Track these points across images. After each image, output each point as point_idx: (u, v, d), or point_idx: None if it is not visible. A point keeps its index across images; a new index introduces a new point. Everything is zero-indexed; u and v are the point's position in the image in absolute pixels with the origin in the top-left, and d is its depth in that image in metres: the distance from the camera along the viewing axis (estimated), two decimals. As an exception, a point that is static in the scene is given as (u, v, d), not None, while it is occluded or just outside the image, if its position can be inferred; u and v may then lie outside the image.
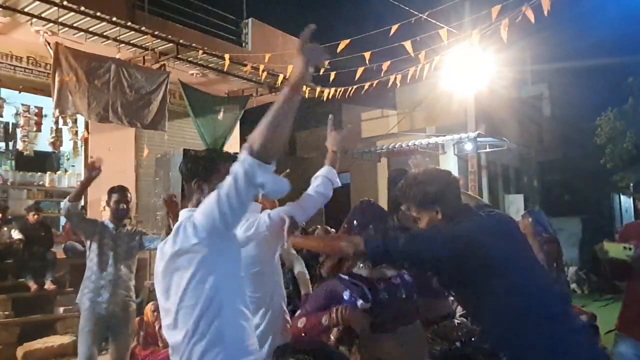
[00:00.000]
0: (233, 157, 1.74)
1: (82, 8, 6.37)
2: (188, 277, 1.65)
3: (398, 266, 2.30)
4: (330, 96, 8.39)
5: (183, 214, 1.79)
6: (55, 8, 6.24)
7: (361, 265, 2.32)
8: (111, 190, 4.08)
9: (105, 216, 4.42)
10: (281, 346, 1.26)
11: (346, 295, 2.21)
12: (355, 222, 2.36)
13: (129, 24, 6.96)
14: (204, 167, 1.85)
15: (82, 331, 3.89)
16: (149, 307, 4.74)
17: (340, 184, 2.54)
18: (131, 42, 7.28)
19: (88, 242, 3.98)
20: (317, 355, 0.93)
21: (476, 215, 2.13)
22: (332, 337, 2.10)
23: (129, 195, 4.12)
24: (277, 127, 1.54)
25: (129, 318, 4.07)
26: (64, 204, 3.81)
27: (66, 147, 8.26)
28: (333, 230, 5.08)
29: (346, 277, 2.29)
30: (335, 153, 2.61)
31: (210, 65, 8.30)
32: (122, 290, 3.95)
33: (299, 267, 3.99)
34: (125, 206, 4.04)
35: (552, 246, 3.89)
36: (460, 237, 1.92)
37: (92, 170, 3.76)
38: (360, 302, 2.17)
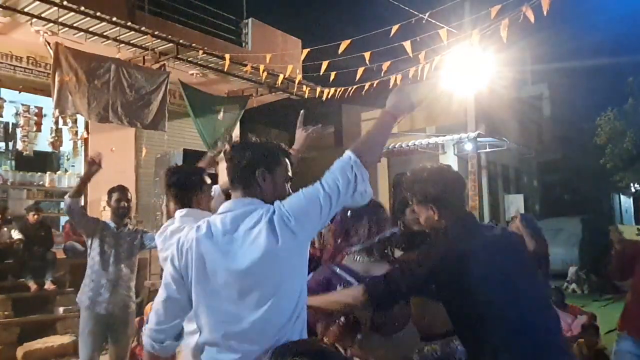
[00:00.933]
0: (287, 152, 1.87)
1: (82, 8, 6.37)
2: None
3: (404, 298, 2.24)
4: (330, 96, 8.39)
5: (244, 204, 1.72)
6: (55, 8, 6.24)
7: (357, 257, 2.27)
8: (111, 190, 4.12)
9: (105, 216, 4.43)
10: (280, 347, 1.25)
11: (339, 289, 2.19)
12: (349, 212, 2.32)
13: (129, 24, 6.95)
14: (268, 158, 1.79)
15: (82, 333, 3.89)
16: (148, 307, 4.74)
17: None
18: (131, 42, 7.28)
19: (89, 241, 3.99)
20: (316, 356, 0.92)
21: (475, 228, 2.09)
22: (332, 332, 2.09)
23: (129, 194, 4.15)
24: (377, 145, 1.78)
25: (129, 318, 4.07)
26: (65, 200, 3.84)
27: (66, 147, 8.26)
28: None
29: (342, 273, 2.23)
30: (296, 152, 2.45)
31: (210, 65, 8.30)
32: (123, 290, 3.96)
33: None
34: (126, 204, 4.06)
35: (540, 250, 3.89)
36: (455, 254, 1.93)
37: (92, 166, 3.77)
38: None
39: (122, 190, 4.10)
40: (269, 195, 1.72)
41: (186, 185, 2.65)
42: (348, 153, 1.67)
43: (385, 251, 2.35)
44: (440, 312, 2.23)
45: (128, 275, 4.01)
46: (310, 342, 1.02)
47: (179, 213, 2.59)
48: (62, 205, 3.99)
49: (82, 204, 4.28)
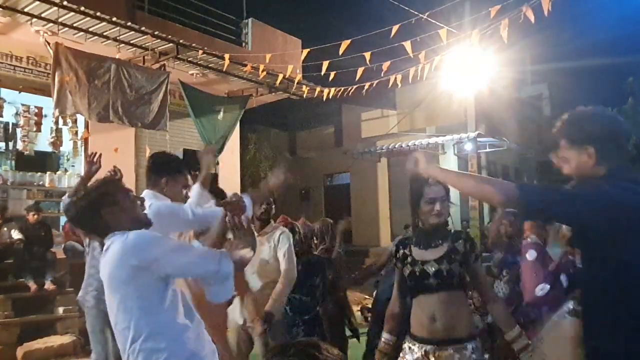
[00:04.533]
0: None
1: (82, 8, 6.37)
2: None
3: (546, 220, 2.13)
4: (330, 96, 8.39)
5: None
6: (55, 8, 6.24)
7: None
8: None
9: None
10: (278, 346, 1.24)
11: None
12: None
13: (129, 24, 6.96)
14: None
15: (94, 331, 3.89)
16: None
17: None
18: (131, 42, 7.28)
19: (87, 240, 3.97)
20: (313, 356, 0.92)
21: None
22: None
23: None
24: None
25: None
26: (64, 200, 3.79)
27: (66, 147, 8.25)
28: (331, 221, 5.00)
29: None
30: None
31: (210, 65, 8.30)
32: None
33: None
34: None
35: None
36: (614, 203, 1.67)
37: (92, 165, 3.75)
38: None
39: None
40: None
41: (155, 168, 2.81)
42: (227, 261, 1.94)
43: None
44: (461, 315, 2.24)
45: None
46: (309, 341, 1.03)
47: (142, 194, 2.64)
48: (61, 204, 3.96)
49: None
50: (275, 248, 3.61)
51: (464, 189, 1.99)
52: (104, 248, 1.95)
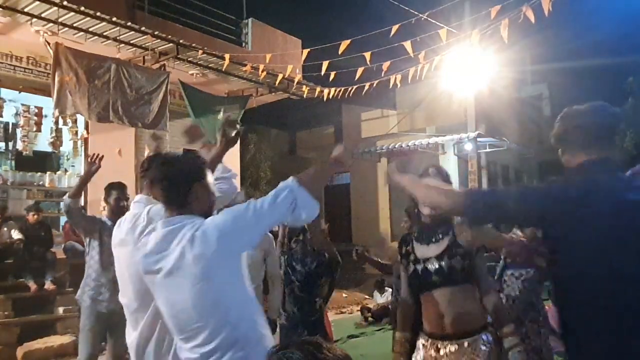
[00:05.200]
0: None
1: (82, 8, 6.37)
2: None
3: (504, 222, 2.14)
4: (330, 96, 8.39)
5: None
6: (55, 8, 6.24)
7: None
8: (110, 187, 4.04)
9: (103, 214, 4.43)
10: (279, 344, 1.23)
11: None
12: None
13: (129, 24, 6.96)
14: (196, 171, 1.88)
15: (83, 330, 3.90)
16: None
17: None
18: (131, 42, 7.28)
19: (87, 240, 3.98)
20: (312, 354, 0.92)
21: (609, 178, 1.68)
22: None
23: (127, 192, 4.10)
24: (320, 182, 1.99)
25: None
26: (65, 200, 3.82)
27: (66, 147, 8.26)
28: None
29: None
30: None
31: (210, 65, 8.30)
32: None
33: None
34: (125, 203, 4.02)
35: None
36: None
37: (92, 166, 3.75)
38: None
39: (121, 188, 4.04)
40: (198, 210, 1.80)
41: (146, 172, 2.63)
42: (293, 180, 1.78)
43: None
44: (470, 308, 2.23)
45: None
46: (309, 340, 1.03)
47: (135, 198, 2.57)
48: (61, 205, 3.95)
49: (82, 203, 4.26)
50: (263, 251, 3.67)
51: (418, 197, 2.08)
52: (155, 234, 1.77)
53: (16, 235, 6.43)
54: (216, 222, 1.70)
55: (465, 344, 2.19)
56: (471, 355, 2.18)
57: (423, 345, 2.32)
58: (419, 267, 2.33)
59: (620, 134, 13.75)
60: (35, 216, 6.66)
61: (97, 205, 7.83)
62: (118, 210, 3.98)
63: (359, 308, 9.18)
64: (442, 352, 2.23)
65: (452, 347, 2.21)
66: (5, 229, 6.52)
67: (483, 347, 2.19)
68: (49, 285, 6.45)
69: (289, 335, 3.51)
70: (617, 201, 1.59)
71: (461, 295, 2.24)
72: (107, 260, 3.88)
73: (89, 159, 3.88)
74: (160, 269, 1.72)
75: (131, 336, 2.30)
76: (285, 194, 1.73)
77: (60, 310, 6.45)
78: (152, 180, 1.93)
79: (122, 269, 2.42)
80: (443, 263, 2.25)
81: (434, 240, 2.34)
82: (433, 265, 2.28)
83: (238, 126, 2.39)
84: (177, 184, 1.77)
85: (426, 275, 2.30)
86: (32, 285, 6.34)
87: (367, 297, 10.35)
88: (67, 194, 3.83)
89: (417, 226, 2.45)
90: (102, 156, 3.83)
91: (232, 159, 10.16)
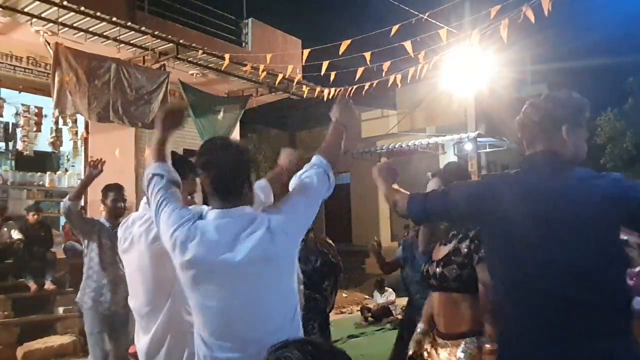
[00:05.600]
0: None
1: (82, 8, 6.37)
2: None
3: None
4: (330, 96, 8.38)
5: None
6: (55, 8, 6.24)
7: None
8: (107, 189, 4.04)
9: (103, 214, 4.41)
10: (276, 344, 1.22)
11: None
12: None
13: (129, 24, 6.96)
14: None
15: (92, 333, 3.89)
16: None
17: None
18: (131, 42, 7.28)
19: (86, 241, 3.97)
20: (311, 354, 0.91)
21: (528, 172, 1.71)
22: None
23: (125, 193, 4.10)
24: (338, 148, 2.03)
25: (130, 316, 4.07)
26: (64, 203, 3.80)
27: (66, 147, 8.26)
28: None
29: None
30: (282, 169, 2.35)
31: (210, 65, 8.30)
32: (123, 288, 3.94)
33: None
34: (122, 204, 4.02)
35: None
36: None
37: (93, 170, 3.75)
38: None
39: (118, 189, 4.04)
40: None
41: None
42: (319, 157, 1.90)
43: None
44: (461, 316, 2.22)
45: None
46: (306, 341, 1.02)
47: (143, 200, 2.44)
48: (61, 206, 3.93)
49: (82, 204, 4.25)
50: None
51: (388, 202, 2.16)
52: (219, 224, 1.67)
53: (16, 235, 6.43)
54: (289, 216, 1.72)
55: (450, 345, 2.23)
56: (453, 357, 2.21)
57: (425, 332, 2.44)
58: (427, 266, 2.37)
59: (590, 127, 13.72)
60: (35, 216, 6.65)
61: (97, 206, 7.83)
62: (115, 211, 3.99)
63: (359, 308, 9.18)
64: (434, 348, 2.32)
65: (443, 348, 2.26)
66: (5, 229, 6.51)
67: (462, 355, 2.18)
68: (49, 285, 6.44)
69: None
70: (540, 198, 1.60)
71: (453, 302, 2.24)
72: (107, 262, 3.88)
73: (90, 163, 3.87)
74: (227, 260, 1.62)
75: (141, 341, 2.25)
76: (321, 173, 1.86)
77: (60, 310, 6.44)
78: (209, 166, 1.74)
79: (132, 271, 2.34)
80: (438, 269, 2.27)
81: (444, 243, 2.37)
82: (433, 269, 2.31)
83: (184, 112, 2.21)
84: (238, 172, 1.72)
85: (427, 276, 2.36)
86: (32, 285, 6.34)
87: (367, 297, 10.34)
88: (68, 196, 3.82)
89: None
90: (104, 161, 3.82)
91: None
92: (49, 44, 6.74)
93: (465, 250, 2.23)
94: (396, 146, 11.99)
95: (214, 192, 1.72)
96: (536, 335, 1.58)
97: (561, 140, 1.67)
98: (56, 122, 7.65)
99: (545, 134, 1.69)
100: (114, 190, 4.02)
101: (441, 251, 2.35)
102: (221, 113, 8.96)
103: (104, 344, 3.88)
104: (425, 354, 2.36)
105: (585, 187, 1.57)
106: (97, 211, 7.75)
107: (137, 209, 2.48)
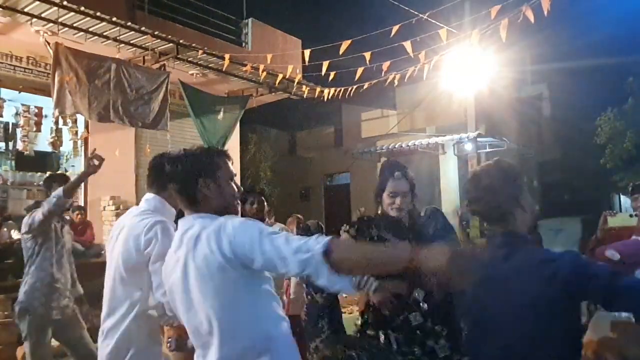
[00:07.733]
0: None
1: (82, 8, 6.37)
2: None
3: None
4: (330, 96, 8.39)
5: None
6: (55, 8, 6.24)
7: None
8: (51, 179, 4.00)
9: (105, 216, 4.39)
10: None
11: None
12: None
13: (129, 24, 6.96)
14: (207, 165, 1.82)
15: (36, 343, 3.59)
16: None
17: None
18: (131, 42, 7.28)
19: (38, 240, 3.74)
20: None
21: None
22: None
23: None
24: (364, 266, 1.60)
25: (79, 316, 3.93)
26: (58, 199, 3.55)
27: (66, 147, 8.26)
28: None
29: None
30: None
31: (210, 65, 8.31)
32: (66, 292, 3.80)
33: None
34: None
35: None
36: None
37: (91, 166, 3.51)
38: None
39: (63, 180, 3.91)
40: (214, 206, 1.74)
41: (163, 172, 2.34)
42: (321, 244, 1.47)
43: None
44: None
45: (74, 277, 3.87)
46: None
47: (144, 197, 2.45)
48: (51, 198, 3.68)
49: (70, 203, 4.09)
50: None
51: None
52: (184, 233, 1.68)
53: (16, 235, 6.43)
54: (228, 229, 1.59)
55: None
56: None
57: None
58: None
59: (590, 127, 13.65)
60: (35, 216, 6.64)
61: (97, 206, 7.86)
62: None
63: (359, 308, 9.17)
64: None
65: None
66: (5, 229, 6.51)
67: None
68: (49, 285, 6.43)
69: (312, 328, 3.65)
70: (493, 275, 1.66)
71: None
72: (60, 263, 3.71)
73: (89, 155, 3.78)
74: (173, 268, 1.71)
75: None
76: (305, 257, 1.46)
77: (60, 310, 6.43)
78: (162, 184, 1.90)
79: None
80: None
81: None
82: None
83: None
84: (184, 183, 1.73)
85: None
86: (32, 285, 6.32)
87: (367, 297, 10.33)
88: (60, 189, 3.60)
89: (377, 225, 2.51)
90: (103, 159, 3.74)
91: (232, 159, 10.16)
92: (49, 44, 6.74)
93: None
94: (396, 146, 12.00)
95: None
96: None
97: (517, 219, 1.79)
98: (56, 122, 7.65)
99: (503, 217, 1.79)
100: (59, 182, 3.89)
101: None
102: (221, 113, 8.97)
103: (49, 354, 3.71)
104: None
105: (538, 269, 1.59)
106: (97, 211, 7.79)
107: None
